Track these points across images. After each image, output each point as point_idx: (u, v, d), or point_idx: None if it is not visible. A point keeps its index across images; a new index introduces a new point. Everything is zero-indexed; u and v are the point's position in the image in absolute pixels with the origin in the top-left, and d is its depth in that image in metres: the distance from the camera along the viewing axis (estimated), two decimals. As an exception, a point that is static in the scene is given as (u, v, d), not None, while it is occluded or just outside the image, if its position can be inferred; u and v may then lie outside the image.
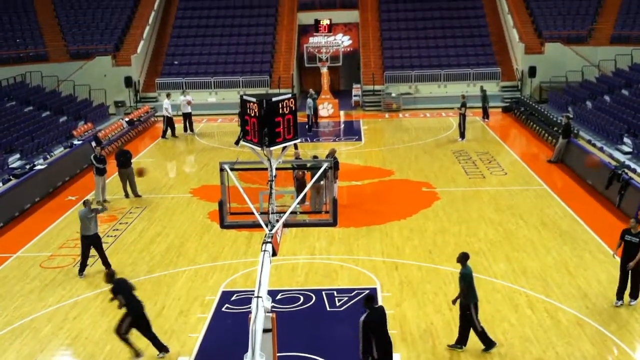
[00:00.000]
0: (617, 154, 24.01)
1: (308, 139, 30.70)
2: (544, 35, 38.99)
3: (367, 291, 11.86)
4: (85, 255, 16.15)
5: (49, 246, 18.37)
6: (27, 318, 14.22)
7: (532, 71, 37.10)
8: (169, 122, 31.98)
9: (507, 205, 20.60)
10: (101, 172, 21.77)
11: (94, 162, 21.78)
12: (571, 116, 28.21)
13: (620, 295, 13.89)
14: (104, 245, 17.00)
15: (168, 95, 32.96)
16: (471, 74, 38.19)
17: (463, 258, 12.26)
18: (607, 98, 31.09)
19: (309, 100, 32.76)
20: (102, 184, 21.86)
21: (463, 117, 29.36)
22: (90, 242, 16.12)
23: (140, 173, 21.64)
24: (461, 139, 29.43)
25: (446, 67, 38.85)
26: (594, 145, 25.56)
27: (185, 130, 32.67)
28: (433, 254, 16.87)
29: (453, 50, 40.29)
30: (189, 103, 32.53)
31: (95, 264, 16.48)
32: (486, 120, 33.36)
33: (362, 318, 10.53)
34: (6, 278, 16.32)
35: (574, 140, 25.44)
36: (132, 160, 22.77)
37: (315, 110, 33.70)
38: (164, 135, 31.95)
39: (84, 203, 16.31)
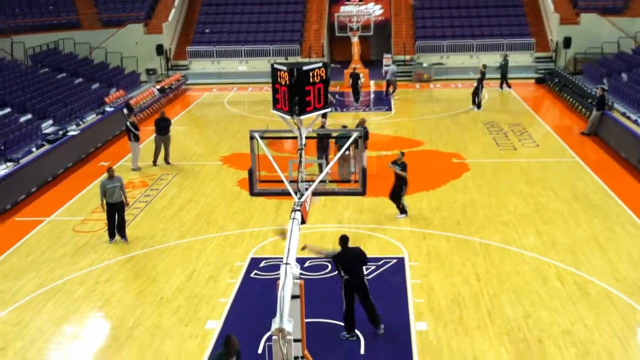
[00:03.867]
0: (652, 127, 23.62)
1: (347, 108, 30.59)
2: (580, 5, 38.23)
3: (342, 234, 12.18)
4: (111, 222, 16.14)
5: (82, 211, 18.65)
6: (60, 281, 14.50)
7: (567, 42, 36.47)
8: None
9: (538, 177, 20.41)
10: (137, 139, 22.05)
11: (132, 128, 21.99)
12: (606, 88, 27.74)
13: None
14: (136, 211, 17.16)
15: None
16: (504, 44, 37.61)
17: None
18: (643, 70, 30.49)
19: (393, 67, 33.19)
20: (137, 150, 22.18)
21: (480, 87, 29.60)
22: (115, 209, 16.05)
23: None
24: (477, 108, 29.30)
25: (479, 38, 38.31)
26: (628, 117, 25.12)
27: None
28: (461, 225, 16.81)
29: (486, 20, 39.70)
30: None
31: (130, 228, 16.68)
32: (500, 90, 33.25)
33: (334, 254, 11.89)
34: (40, 241, 16.63)
35: (608, 112, 25.02)
36: (170, 128, 22.93)
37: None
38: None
39: (108, 172, 16.17)
